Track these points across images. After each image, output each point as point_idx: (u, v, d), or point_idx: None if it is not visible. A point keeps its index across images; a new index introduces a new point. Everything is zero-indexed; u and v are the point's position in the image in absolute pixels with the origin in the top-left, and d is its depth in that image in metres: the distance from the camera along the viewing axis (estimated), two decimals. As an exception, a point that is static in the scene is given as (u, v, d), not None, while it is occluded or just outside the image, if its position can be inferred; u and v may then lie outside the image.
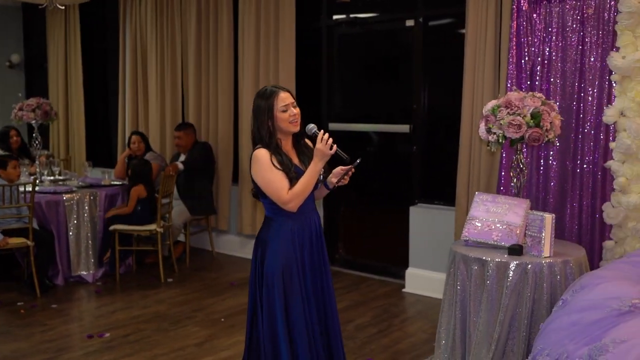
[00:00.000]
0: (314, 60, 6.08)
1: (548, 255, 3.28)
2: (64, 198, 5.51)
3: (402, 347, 4.17)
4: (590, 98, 3.91)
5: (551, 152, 4.07)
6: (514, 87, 3.84)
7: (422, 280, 5.28)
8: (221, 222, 6.63)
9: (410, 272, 5.38)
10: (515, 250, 3.34)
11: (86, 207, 5.60)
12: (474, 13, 4.68)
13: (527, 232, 3.39)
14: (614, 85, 3.77)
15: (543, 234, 3.27)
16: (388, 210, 5.87)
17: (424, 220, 5.28)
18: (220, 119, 6.53)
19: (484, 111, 3.63)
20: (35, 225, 5.28)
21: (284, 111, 2.82)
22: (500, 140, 3.49)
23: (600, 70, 3.86)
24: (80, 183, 5.96)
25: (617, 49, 3.70)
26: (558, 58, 4.01)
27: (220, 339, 4.31)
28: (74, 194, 5.59)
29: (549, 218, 3.27)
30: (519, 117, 3.43)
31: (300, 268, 2.91)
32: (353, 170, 2.88)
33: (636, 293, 2.66)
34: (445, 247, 5.06)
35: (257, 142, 2.87)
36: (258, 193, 2.93)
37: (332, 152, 2.79)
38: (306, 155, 2.95)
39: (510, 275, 3.24)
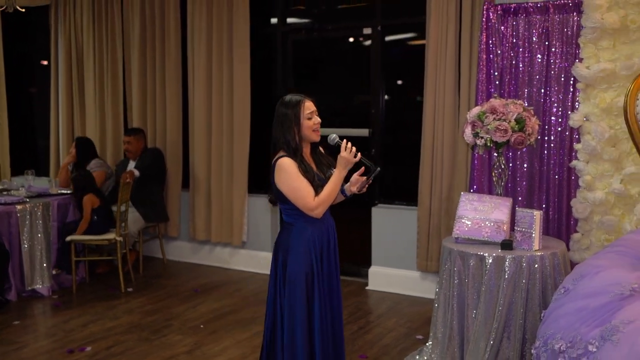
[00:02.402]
0: (268, 65, 6.17)
1: (538, 248, 3.60)
2: (17, 209, 5.26)
3: (388, 342, 4.37)
4: (555, 104, 4.29)
5: (518, 154, 4.42)
6: (495, 94, 4.14)
7: (385, 277, 5.51)
8: (171, 229, 6.56)
9: (373, 270, 5.60)
10: (507, 245, 3.63)
11: (39, 218, 5.37)
12: (435, 22, 4.97)
13: (516, 227, 3.69)
14: (578, 92, 4.16)
15: (533, 229, 3.58)
16: (347, 213, 6.04)
17: (386, 220, 5.51)
18: (168, 123, 6.46)
19: (468, 117, 3.90)
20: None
21: (309, 119, 2.94)
22: (488, 144, 3.78)
23: (565, 79, 4.25)
24: (27, 193, 5.69)
25: (581, 60, 4.09)
26: (525, 67, 4.36)
27: (208, 346, 4.32)
28: (26, 205, 5.34)
29: (538, 214, 3.59)
30: (504, 123, 3.73)
31: (319, 271, 3.00)
32: (371, 180, 3.01)
33: (634, 278, 3.00)
34: (407, 245, 5.35)
35: (279, 148, 2.94)
36: (278, 199, 3.01)
37: (357, 159, 2.92)
38: (323, 164, 3.06)
39: (507, 268, 3.52)
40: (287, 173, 2.88)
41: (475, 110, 3.88)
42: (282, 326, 3.01)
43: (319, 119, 2.99)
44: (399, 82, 5.83)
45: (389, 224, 5.50)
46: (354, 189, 3.05)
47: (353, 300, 5.26)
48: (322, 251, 3.03)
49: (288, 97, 2.98)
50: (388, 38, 5.61)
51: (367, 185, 3.04)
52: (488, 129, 3.75)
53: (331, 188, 2.92)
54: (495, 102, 3.83)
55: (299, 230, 2.98)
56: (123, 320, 4.82)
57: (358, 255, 5.81)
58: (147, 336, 4.49)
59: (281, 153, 2.94)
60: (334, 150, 2.99)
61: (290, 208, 2.97)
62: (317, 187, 2.92)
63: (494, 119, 3.75)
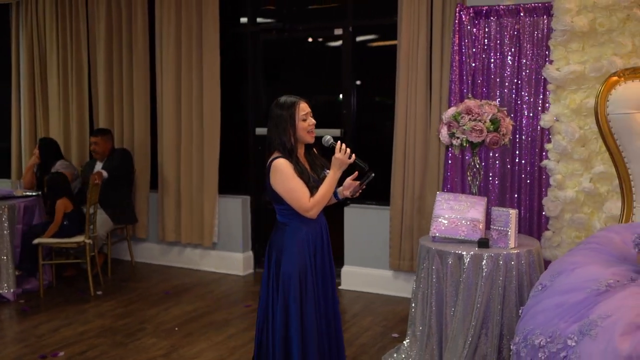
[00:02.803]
0: (238, 65, 6.14)
1: (514, 246, 3.68)
2: (-18, 212, 5.12)
3: (365, 341, 4.41)
4: (525, 105, 4.39)
5: (490, 154, 4.50)
6: (469, 95, 4.21)
7: (358, 277, 5.54)
8: (139, 231, 6.47)
9: (345, 270, 5.63)
10: (484, 243, 3.70)
11: (6, 221, 5.23)
12: (406, 23, 5.02)
13: (492, 226, 3.75)
14: (548, 93, 4.26)
15: (509, 228, 3.66)
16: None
17: (358, 220, 5.54)
18: (136, 124, 6.37)
19: (444, 118, 3.96)
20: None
21: (304, 120, 2.96)
22: (464, 144, 3.84)
23: (535, 81, 4.35)
24: (-9, 195, 5.55)
25: (551, 62, 4.20)
26: (497, 69, 4.46)
27: (184, 348, 4.28)
28: (-9, 207, 5.21)
29: (514, 213, 3.66)
30: (480, 123, 3.80)
31: (313, 272, 3.02)
32: (364, 186, 3.05)
33: (609, 274, 3.09)
34: (379, 244, 5.39)
35: (275, 149, 2.95)
36: (272, 199, 3.02)
37: (351, 161, 2.95)
38: (317, 165, 3.08)
39: (484, 266, 3.59)
40: (283, 174, 2.89)
41: (451, 111, 3.93)
42: (274, 326, 3.00)
43: (313, 121, 3.01)
44: (358, 82, 5.82)
45: (361, 223, 5.54)
46: (347, 193, 3.09)
47: (327, 300, 5.27)
48: (316, 251, 3.04)
49: (283, 99, 2.99)
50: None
51: (360, 191, 3.06)
52: (464, 129, 3.81)
53: (326, 189, 2.95)
54: (470, 102, 3.90)
55: (293, 230, 2.99)
56: (95, 324, 4.74)
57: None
58: (121, 340, 4.43)
59: (276, 154, 2.94)
60: (327, 151, 3.00)
61: (285, 208, 2.98)
62: (312, 188, 2.94)
63: (470, 119, 3.81)
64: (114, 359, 4.11)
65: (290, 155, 2.93)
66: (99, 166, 6.09)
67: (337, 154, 2.93)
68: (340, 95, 5.71)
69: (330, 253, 3.14)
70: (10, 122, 7.13)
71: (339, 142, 2.97)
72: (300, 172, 2.92)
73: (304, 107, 2.96)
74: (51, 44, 6.74)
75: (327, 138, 3.04)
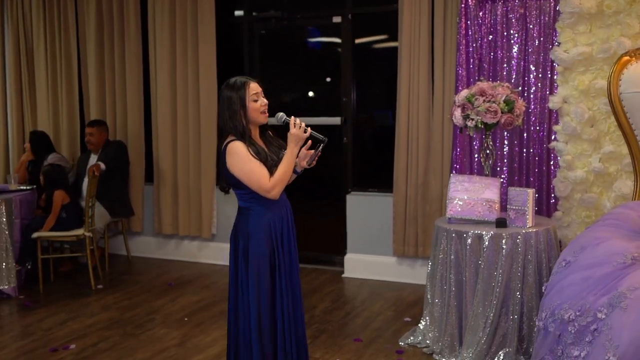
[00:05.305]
0: (235, 55, 6.09)
1: (531, 225, 3.72)
2: (-21, 206, 4.99)
3: (378, 325, 4.41)
4: (533, 87, 4.44)
5: (498, 136, 4.55)
6: (482, 78, 4.25)
7: (361, 264, 5.54)
8: (134, 224, 6.37)
9: (349, 257, 5.62)
10: (502, 223, 3.74)
11: (3, 215, 5.10)
12: (408, 8, 5.02)
13: (509, 206, 3.79)
14: (556, 75, 4.32)
15: (527, 207, 3.70)
16: (318, 201, 6.06)
17: (360, 207, 5.54)
18: (129, 116, 6.28)
19: (457, 100, 3.98)
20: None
21: (255, 101, 2.84)
22: (479, 126, 3.87)
23: (542, 63, 4.40)
24: (-14, 190, 5.41)
25: (558, 44, 4.25)
26: (503, 52, 4.50)
27: (198, 337, 4.23)
28: (-12, 202, 5.08)
29: (531, 193, 3.71)
30: (494, 104, 3.84)
31: (281, 256, 2.91)
32: (319, 152, 2.93)
33: (633, 248, 3.15)
34: (382, 231, 5.40)
35: (226, 132, 2.84)
36: (231, 185, 2.90)
37: (307, 135, 2.84)
38: (274, 146, 2.97)
39: (504, 245, 3.62)
40: (239, 156, 2.78)
41: (464, 93, 3.96)
42: (248, 316, 2.88)
43: (265, 101, 2.88)
44: (357, 70, 5.83)
45: (364, 211, 5.54)
46: (304, 164, 2.97)
47: (332, 288, 5.28)
48: (283, 235, 2.93)
49: (232, 80, 2.87)
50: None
51: (316, 158, 2.95)
52: (478, 110, 3.84)
53: (285, 167, 2.84)
54: (484, 84, 3.93)
55: (257, 214, 2.87)
56: (101, 316, 4.66)
57: (331, 244, 5.83)
58: (132, 331, 4.36)
59: (230, 137, 2.83)
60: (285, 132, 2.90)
61: (246, 193, 2.86)
62: (271, 168, 2.83)
63: (484, 101, 3.85)
64: (127, 349, 4.05)
65: (243, 137, 2.80)
66: (93, 159, 5.98)
67: (292, 130, 2.82)
68: (340, 84, 5.70)
69: (294, 237, 3.01)
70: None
71: (292, 117, 2.86)
72: (257, 153, 2.80)
73: (254, 87, 2.85)
74: (38, 35, 6.59)
75: (280, 115, 2.92)
